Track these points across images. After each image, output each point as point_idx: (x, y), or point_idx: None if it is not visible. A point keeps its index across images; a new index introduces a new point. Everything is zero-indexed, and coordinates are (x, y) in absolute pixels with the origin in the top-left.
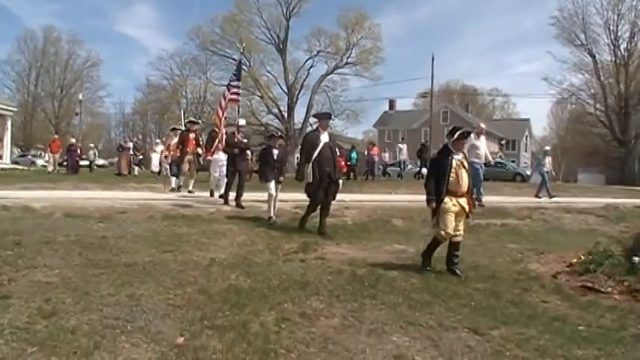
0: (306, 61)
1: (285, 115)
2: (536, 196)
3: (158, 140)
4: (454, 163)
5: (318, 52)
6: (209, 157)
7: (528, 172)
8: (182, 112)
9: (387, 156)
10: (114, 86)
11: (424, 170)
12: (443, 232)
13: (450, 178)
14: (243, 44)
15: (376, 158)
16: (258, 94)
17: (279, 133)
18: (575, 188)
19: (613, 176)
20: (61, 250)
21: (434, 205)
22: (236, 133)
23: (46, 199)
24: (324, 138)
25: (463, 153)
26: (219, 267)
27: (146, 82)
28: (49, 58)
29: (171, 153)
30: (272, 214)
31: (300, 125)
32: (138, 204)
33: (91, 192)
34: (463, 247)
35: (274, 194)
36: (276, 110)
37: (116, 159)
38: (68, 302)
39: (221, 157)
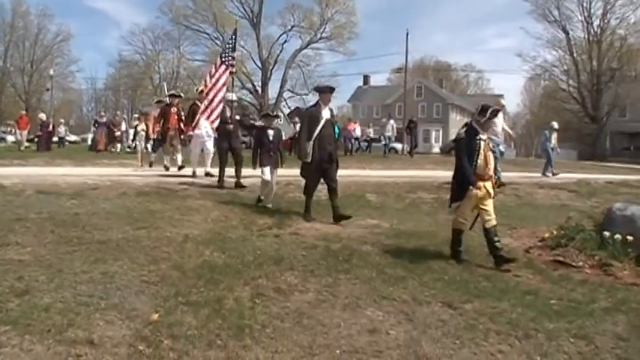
0: (280, 35)
1: (259, 90)
2: (544, 174)
3: (136, 115)
4: (482, 144)
5: (292, 26)
6: (190, 133)
7: (502, 148)
8: (165, 84)
9: (371, 131)
10: (85, 61)
11: (397, 145)
12: (462, 219)
13: (479, 161)
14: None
15: (354, 134)
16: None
17: (275, 112)
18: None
19: (585, 152)
20: (33, 228)
21: (479, 183)
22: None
23: (17, 175)
24: (326, 114)
25: (487, 133)
26: (193, 243)
27: (118, 58)
28: (17, 32)
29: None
30: (263, 196)
31: (274, 100)
32: (111, 180)
33: (62, 168)
34: (436, 222)
35: (269, 179)
36: (249, 85)
37: (89, 135)
38: (41, 280)
39: (203, 132)
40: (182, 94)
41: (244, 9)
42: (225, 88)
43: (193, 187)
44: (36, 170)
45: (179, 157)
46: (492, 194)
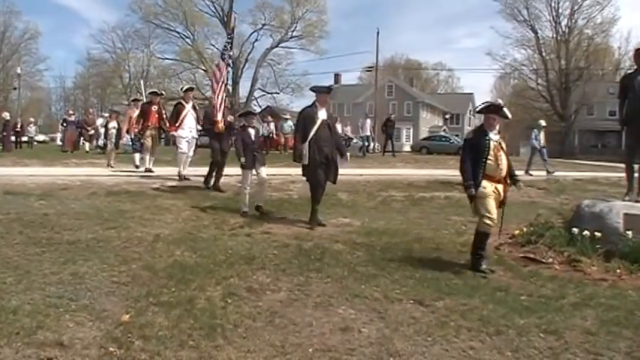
0: (251, 34)
1: (230, 89)
2: (527, 172)
3: (107, 114)
4: (491, 144)
5: (263, 25)
6: (173, 133)
7: None
8: (142, 82)
9: (349, 130)
10: (54, 59)
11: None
12: (487, 220)
13: (489, 161)
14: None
15: None
16: (202, 67)
17: (257, 110)
18: (517, 161)
19: (554, 150)
20: (1, 229)
21: (473, 191)
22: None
23: None
24: (322, 115)
25: (500, 133)
26: (164, 243)
27: (87, 56)
28: None
29: (133, 127)
30: (247, 209)
31: (244, 99)
32: (80, 180)
33: (30, 168)
34: (407, 220)
35: (249, 183)
36: None
37: (58, 134)
38: (9, 282)
39: (187, 133)
40: (163, 92)
41: (214, 7)
42: (223, 87)
43: (164, 187)
44: (3, 170)
45: (151, 160)
46: (503, 198)
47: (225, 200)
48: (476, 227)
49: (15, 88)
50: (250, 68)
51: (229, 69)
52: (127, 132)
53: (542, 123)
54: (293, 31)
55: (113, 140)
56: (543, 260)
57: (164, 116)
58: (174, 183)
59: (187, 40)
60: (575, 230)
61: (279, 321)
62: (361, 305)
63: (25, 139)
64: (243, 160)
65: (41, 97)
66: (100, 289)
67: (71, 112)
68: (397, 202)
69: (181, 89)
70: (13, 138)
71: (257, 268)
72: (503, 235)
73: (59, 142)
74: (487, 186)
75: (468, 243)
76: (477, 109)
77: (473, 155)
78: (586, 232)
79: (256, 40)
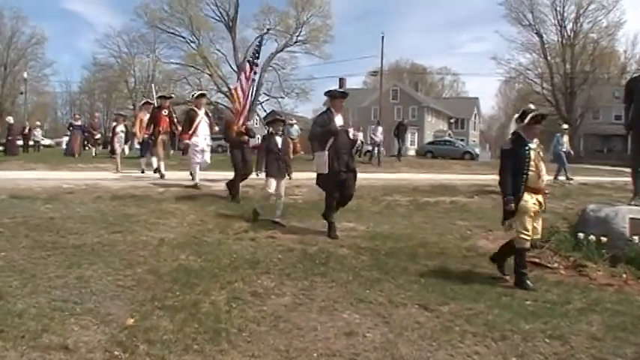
0: (256, 39)
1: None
2: (555, 178)
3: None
4: (532, 154)
5: (268, 30)
6: (187, 141)
7: (477, 150)
8: (153, 85)
9: (360, 135)
10: (60, 64)
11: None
12: (524, 236)
13: (530, 172)
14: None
15: None
16: (207, 72)
17: (283, 117)
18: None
19: None
20: (7, 233)
21: (513, 207)
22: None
23: None
24: (339, 121)
25: (538, 142)
26: (168, 247)
27: (93, 61)
28: None
29: (142, 132)
30: (261, 209)
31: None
32: (86, 184)
33: (37, 172)
34: (412, 224)
35: (272, 192)
36: (225, 89)
37: (64, 139)
38: (15, 285)
39: (201, 141)
40: (173, 96)
41: (220, 12)
42: (247, 96)
43: (169, 191)
44: (9, 174)
45: (162, 165)
46: (544, 208)
47: (229, 204)
48: (510, 243)
49: (22, 93)
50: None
51: (255, 76)
52: (134, 134)
53: (565, 126)
54: (298, 35)
55: (121, 144)
56: (549, 265)
57: (175, 120)
58: (191, 191)
59: (193, 44)
60: (581, 235)
61: (283, 325)
62: (366, 310)
63: (31, 142)
64: (264, 169)
65: (47, 101)
66: (105, 292)
67: (77, 115)
68: (402, 207)
69: (193, 95)
70: (20, 142)
71: (261, 272)
72: None
73: (64, 146)
74: (528, 199)
75: (474, 248)
76: (527, 122)
77: (512, 167)
78: (592, 237)
79: (261, 44)
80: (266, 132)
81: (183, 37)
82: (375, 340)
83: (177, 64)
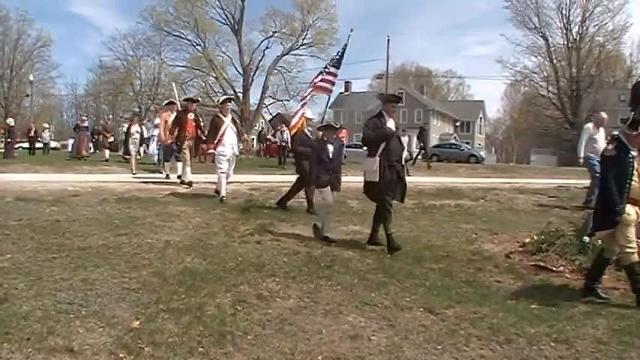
0: (262, 42)
1: (241, 96)
2: None
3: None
4: (635, 163)
5: (274, 33)
6: (212, 151)
7: (482, 154)
8: (174, 84)
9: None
10: (67, 67)
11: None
12: (630, 250)
13: (633, 182)
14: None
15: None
16: (213, 75)
17: (338, 124)
18: (528, 169)
19: (565, 157)
20: (13, 235)
21: (620, 218)
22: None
23: None
24: (391, 125)
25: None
26: (174, 249)
27: (99, 63)
28: None
29: (168, 136)
30: (329, 234)
31: (255, 106)
32: (91, 187)
33: (42, 175)
34: (417, 227)
35: (331, 202)
36: (231, 91)
37: (69, 141)
38: (21, 287)
39: (228, 150)
40: (199, 98)
41: (225, 15)
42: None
43: (174, 194)
44: (15, 177)
45: (188, 170)
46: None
47: (235, 207)
48: (600, 255)
49: (27, 95)
50: (261, 76)
51: (325, 84)
52: (158, 137)
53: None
54: (303, 38)
55: (136, 145)
56: (554, 269)
57: (201, 124)
58: (194, 193)
59: (198, 47)
60: (587, 239)
61: (288, 328)
62: (371, 313)
63: (40, 145)
64: (317, 181)
65: (53, 104)
66: (111, 295)
67: (84, 117)
68: (407, 210)
69: (218, 101)
70: (26, 144)
71: (267, 275)
72: (513, 244)
73: (70, 149)
74: (631, 212)
75: (479, 251)
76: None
77: (616, 174)
78: (598, 241)
79: (267, 47)
80: (314, 139)
81: (189, 40)
82: (380, 343)
83: (182, 66)
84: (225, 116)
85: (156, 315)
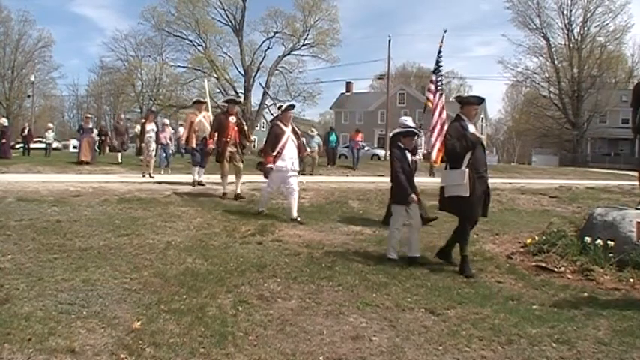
0: (263, 42)
1: (242, 96)
2: None
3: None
4: None
5: (275, 33)
6: (270, 165)
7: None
8: (206, 81)
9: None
10: (69, 67)
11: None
12: None
13: None
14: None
15: (360, 145)
16: (214, 75)
17: (417, 130)
18: (530, 170)
19: (566, 158)
20: (14, 235)
21: None
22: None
23: None
24: (473, 131)
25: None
26: (175, 250)
27: (100, 64)
28: None
29: (192, 137)
30: (415, 253)
31: (256, 107)
32: (93, 187)
33: (44, 175)
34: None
35: (419, 222)
36: (232, 92)
37: (71, 141)
38: (22, 288)
39: (288, 165)
40: (241, 100)
41: (227, 16)
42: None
43: (176, 194)
44: (16, 177)
45: (226, 181)
46: None
47: (236, 208)
48: None
49: (29, 96)
50: (262, 76)
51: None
52: (187, 141)
53: None
54: (305, 39)
55: (152, 146)
56: (555, 269)
57: (245, 129)
58: (196, 194)
59: (199, 48)
60: (588, 239)
61: (290, 329)
62: (372, 313)
63: (42, 145)
64: (411, 196)
65: (55, 104)
66: (112, 295)
67: (89, 116)
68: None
69: (279, 108)
70: (20, 145)
71: (268, 275)
72: (515, 244)
73: (72, 149)
74: None
75: (480, 252)
76: None
77: None
78: (598, 241)
79: (268, 48)
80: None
81: (190, 41)
82: (381, 344)
83: (184, 67)
84: (285, 125)
85: (157, 315)
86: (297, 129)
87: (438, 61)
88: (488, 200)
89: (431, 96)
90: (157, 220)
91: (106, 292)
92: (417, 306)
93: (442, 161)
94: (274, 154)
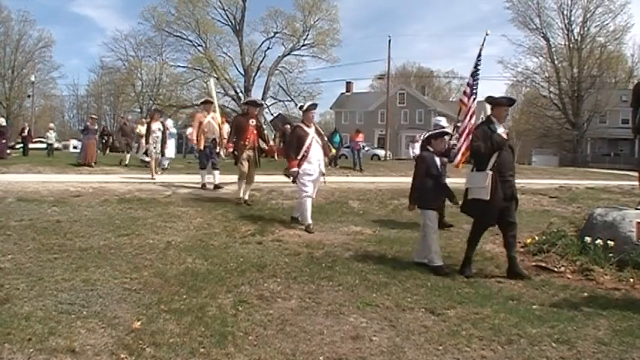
0: (263, 42)
1: (242, 96)
2: None
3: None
4: None
5: (275, 33)
6: (295, 169)
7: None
8: (212, 80)
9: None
10: (69, 67)
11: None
12: None
13: None
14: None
15: (360, 145)
16: (214, 75)
17: (448, 130)
18: (530, 170)
19: (566, 158)
20: (14, 235)
21: None
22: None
23: None
24: (502, 133)
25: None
26: (175, 250)
27: (100, 64)
28: None
29: (200, 138)
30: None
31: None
32: (93, 187)
33: (44, 175)
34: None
35: (436, 231)
36: (232, 92)
37: (71, 141)
38: (22, 288)
39: (315, 168)
40: (263, 102)
41: (227, 16)
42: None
43: (176, 194)
44: (16, 177)
45: (247, 189)
46: None
47: (236, 208)
48: None
49: (29, 96)
50: (262, 76)
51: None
52: (196, 142)
53: None
54: (305, 39)
55: (157, 145)
56: (555, 269)
57: (265, 132)
58: (197, 194)
59: (199, 48)
60: (588, 239)
61: (290, 329)
62: (372, 313)
63: (43, 145)
64: (455, 202)
65: (55, 104)
66: (112, 295)
67: (94, 117)
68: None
69: (300, 108)
70: (20, 145)
71: (268, 275)
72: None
73: (72, 149)
74: None
75: (480, 252)
76: None
77: None
78: (599, 241)
79: (268, 48)
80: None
81: (190, 41)
82: (381, 344)
83: (184, 67)
84: (308, 127)
85: (157, 315)
86: (320, 129)
87: (476, 65)
88: (516, 205)
89: (465, 99)
90: (157, 220)
91: (106, 292)
92: (417, 306)
93: (465, 162)
94: (299, 157)
